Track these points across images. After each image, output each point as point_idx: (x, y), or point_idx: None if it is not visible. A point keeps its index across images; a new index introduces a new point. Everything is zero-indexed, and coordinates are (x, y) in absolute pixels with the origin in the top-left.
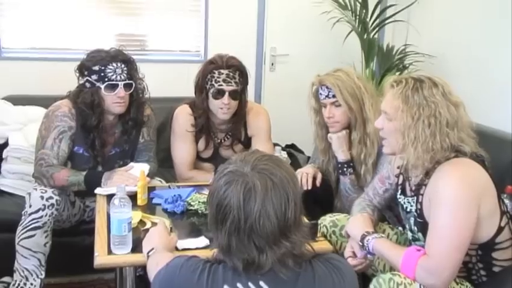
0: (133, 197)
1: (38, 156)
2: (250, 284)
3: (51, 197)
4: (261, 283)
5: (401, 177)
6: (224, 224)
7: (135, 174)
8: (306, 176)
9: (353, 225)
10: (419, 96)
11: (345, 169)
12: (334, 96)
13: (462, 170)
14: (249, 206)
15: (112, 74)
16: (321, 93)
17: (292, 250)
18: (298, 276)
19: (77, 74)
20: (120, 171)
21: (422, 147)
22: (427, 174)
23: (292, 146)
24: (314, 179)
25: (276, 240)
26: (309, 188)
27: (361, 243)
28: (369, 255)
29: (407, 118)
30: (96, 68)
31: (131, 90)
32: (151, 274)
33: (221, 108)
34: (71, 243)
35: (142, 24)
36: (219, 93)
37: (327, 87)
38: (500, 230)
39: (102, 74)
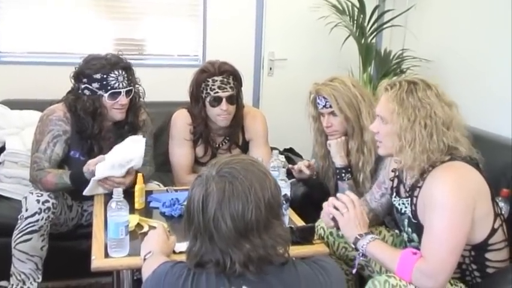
0: (130, 200)
1: (32, 159)
2: None
3: (47, 201)
4: None
5: (396, 180)
6: (191, 227)
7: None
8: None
9: (348, 226)
10: (414, 98)
11: (343, 174)
12: (331, 106)
13: (456, 173)
14: (207, 210)
15: (114, 82)
16: (318, 103)
17: (254, 252)
18: (282, 278)
19: (73, 80)
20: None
21: (419, 148)
22: (422, 175)
23: (290, 150)
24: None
25: (236, 242)
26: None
27: (354, 246)
28: (362, 258)
29: (403, 120)
30: (98, 76)
31: (131, 96)
32: (145, 278)
33: (220, 115)
34: (68, 247)
35: (141, 28)
36: (216, 101)
37: (324, 98)
38: (493, 231)
39: (105, 83)
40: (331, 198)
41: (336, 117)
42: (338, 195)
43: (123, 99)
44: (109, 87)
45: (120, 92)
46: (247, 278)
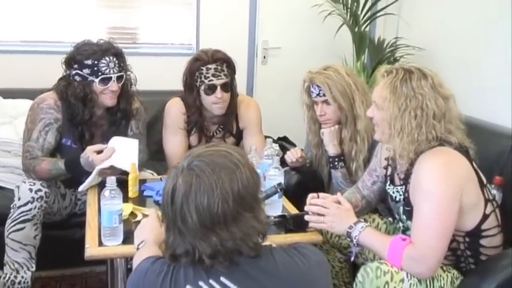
0: (124, 189)
1: (24, 148)
2: (211, 281)
3: (39, 190)
4: (222, 279)
5: (389, 169)
6: (164, 218)
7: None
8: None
9: (334, 224)
10: (408, 88)
11: (336, 163)
12: (324, 95)
13: (443, 159)
14: (174, 203)
15: (105, 68)
16: (312, 91)
17: (221, 246)
18: (260, 267)
19: (64, 67)
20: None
21: (408, 138)
22: (412, 164)
23: (284, 139)
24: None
25: (203, 235)
26: (293, 159)
27: (349, 239)
28: (357, 248)
29: (393, 109)
30: (89, 62)
31: (122, 82)
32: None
33: (215, 104)
34: (62, 236)
35: (134, 17)
36: (210, 89)
37: (318, 86)
38: (485, 217)
39: (96, 68)
40: (310, 208)
41: (329, 106)
42: (312, 201)
43: (113, 85)
44: (100, 73)
45: (111, 78)
46: (232, 269)
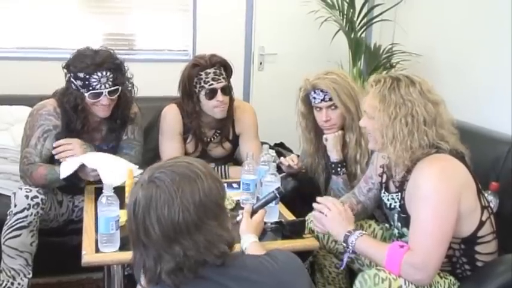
0: (121, 195)
1: (22, 155)
2: None
3: (36, 196)
4: None
5: (384, 176)
6: (130, 235)
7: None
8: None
9: (334, 223)
10: (396, 95)
11: (338, 169)
12: (330, 99)
13: (441, 165)
14: (135, 216)
15: (96, 83)
16: (315, 97)
17: (185, 256)
18: (230, 275)
19: (65, 71)
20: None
21: (401, 146)
22: (409, 171)
23: (281, 145)
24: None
25: (167, 247)
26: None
27: (345, 244)
28: (352, 254)
29: (384, 117)
30: (81, 75)
31: (116, 95)
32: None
33: (216, 107)
34: (59, 243)
35: (131, 23)
36: (212, 92)
37: (322, 91)
38: (481, 224)
39: (87, 83)
40: (314, 204)
41: (334, 111)
42: (318, 199)
43: (104, 100)
44: (90, 88)
45: (102, 93)
46: (198, 282)
